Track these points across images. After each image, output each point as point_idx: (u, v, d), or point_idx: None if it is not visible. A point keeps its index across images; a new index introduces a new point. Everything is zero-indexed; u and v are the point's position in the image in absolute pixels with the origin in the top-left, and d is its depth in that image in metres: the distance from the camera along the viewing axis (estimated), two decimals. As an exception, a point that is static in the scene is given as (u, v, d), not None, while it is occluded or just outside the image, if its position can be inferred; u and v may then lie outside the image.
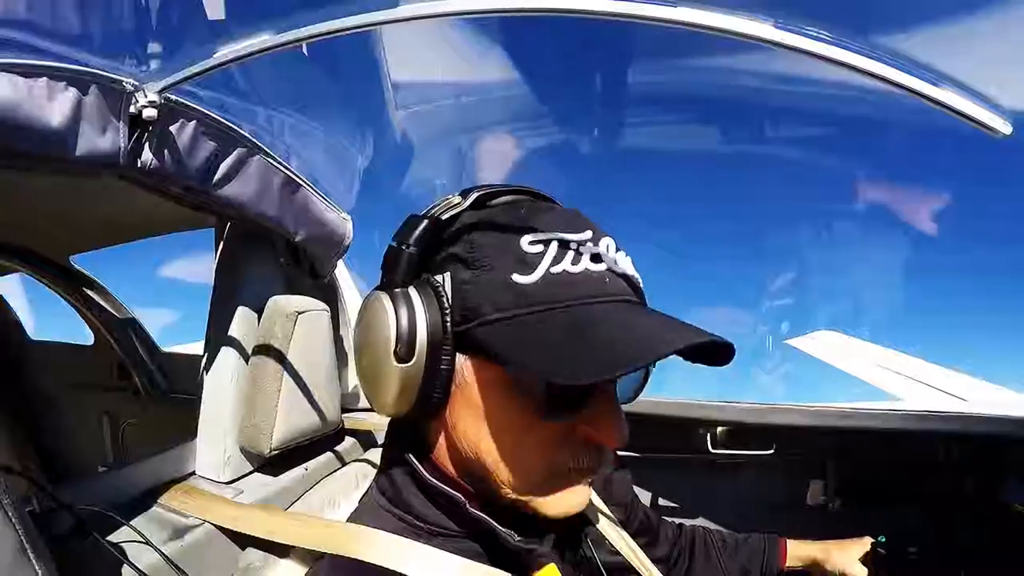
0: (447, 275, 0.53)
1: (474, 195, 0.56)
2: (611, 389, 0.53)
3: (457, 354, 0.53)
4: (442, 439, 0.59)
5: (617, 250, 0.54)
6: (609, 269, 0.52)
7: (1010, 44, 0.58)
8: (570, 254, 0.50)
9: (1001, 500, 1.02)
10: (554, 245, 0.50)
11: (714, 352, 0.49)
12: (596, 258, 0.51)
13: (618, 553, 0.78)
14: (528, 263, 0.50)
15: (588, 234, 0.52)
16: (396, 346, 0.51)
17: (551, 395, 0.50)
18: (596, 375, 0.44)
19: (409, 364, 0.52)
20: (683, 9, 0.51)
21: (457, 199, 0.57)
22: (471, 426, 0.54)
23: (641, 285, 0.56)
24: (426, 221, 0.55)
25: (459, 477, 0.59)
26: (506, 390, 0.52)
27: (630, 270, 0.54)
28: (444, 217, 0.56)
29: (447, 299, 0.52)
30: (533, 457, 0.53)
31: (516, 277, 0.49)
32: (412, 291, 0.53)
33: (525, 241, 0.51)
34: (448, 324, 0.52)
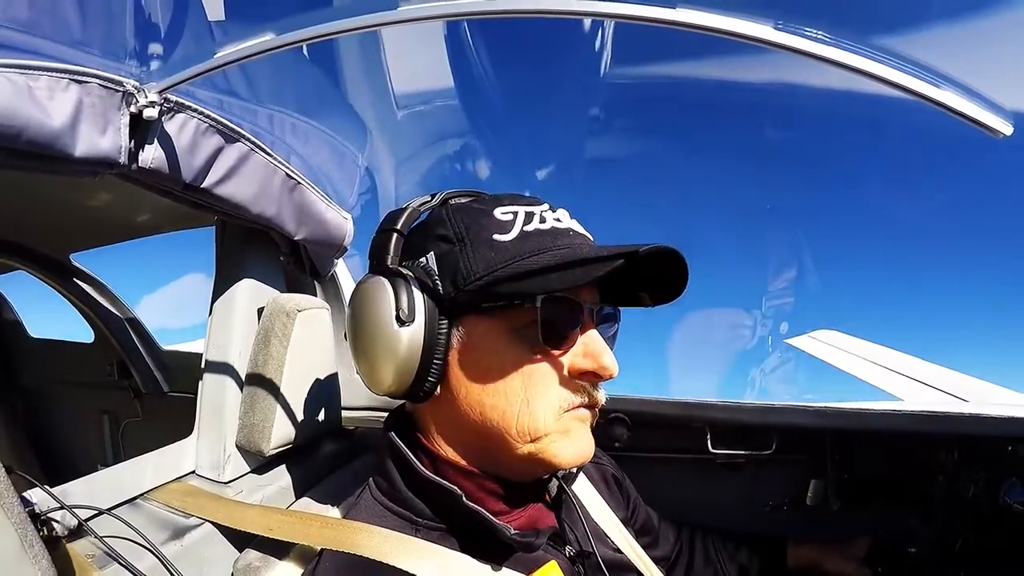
0: (431, 254, 0.60)
1: (441, 195, 0.66)
2: (596, 325, 0.60)
3: (452, 320, 0.59)
4: (439, 420, 0.63)
5: (571, 218, 0.63)
6: (569, 229, 0.61)
7: (1010, 44, 0.57)
8: (536, 218, 0.59)
9: (1001, 500, 1.02)
10: (521, 213, 0.59)
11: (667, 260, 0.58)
12: (557, 220, 0.61)
13: (620, 551, 0.79)
14: (504, 227, 0.58)
15: (545, 206, 0.61)
16: (397, 312, 0.56)
17: (546, 322, 0.56)
18: (584, 278, 0.53)
19: (412, 327, 0.57)
20: (683, 10, 0.51)
21: (427, 197, 0.66)
22: (474, 386, 0.59)
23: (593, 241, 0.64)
24: (409, 209, 0.64)
25: (460, 456, 0.62)
26: (504, 335, 0.58)
27: (584, 231, 0.62)
28: (421, 208, 0.64)
29: (435, 271, 0.59)
30: (541, 393, 0.57)
31: (497, 237, 0.58)
32: (403, 269, 0.60)
33: (497, 212, 0.59)
34: (440, 289, 0.58)
